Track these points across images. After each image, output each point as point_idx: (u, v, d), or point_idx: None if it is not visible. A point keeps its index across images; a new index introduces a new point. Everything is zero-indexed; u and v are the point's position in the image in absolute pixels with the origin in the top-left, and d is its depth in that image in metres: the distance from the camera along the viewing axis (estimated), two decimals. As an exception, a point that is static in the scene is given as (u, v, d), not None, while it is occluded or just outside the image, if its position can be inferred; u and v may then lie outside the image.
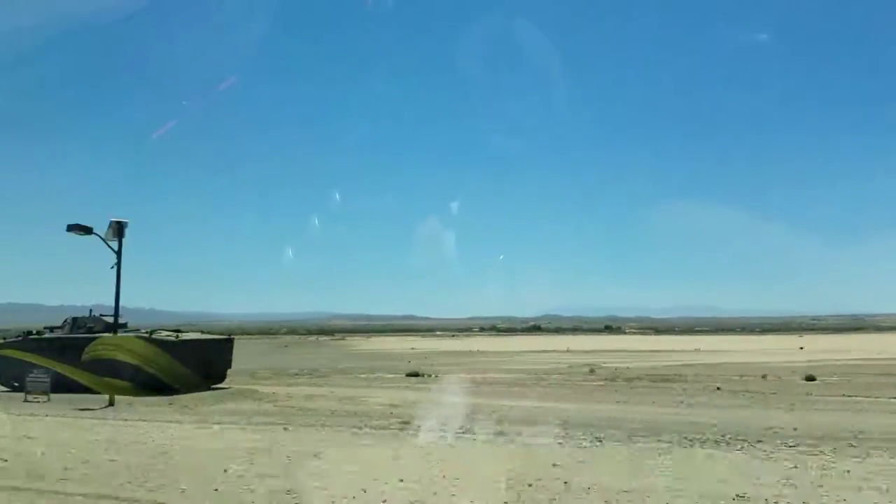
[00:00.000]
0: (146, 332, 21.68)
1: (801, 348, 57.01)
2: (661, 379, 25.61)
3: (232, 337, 24.44)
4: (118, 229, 17.72)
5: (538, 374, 29.13)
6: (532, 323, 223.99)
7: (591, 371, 29.90)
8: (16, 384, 22.79)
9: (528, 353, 50.87)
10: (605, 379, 25.86)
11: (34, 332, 23.34)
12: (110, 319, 22.62)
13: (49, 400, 19.39)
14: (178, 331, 22.76)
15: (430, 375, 27.87)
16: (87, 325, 22.60)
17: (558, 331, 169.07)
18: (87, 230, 17.72)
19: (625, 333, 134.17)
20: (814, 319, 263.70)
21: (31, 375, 20.15)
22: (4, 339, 24.24)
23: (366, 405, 17.71)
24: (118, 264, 17.91)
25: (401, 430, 13.31)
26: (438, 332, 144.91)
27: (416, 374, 27.83)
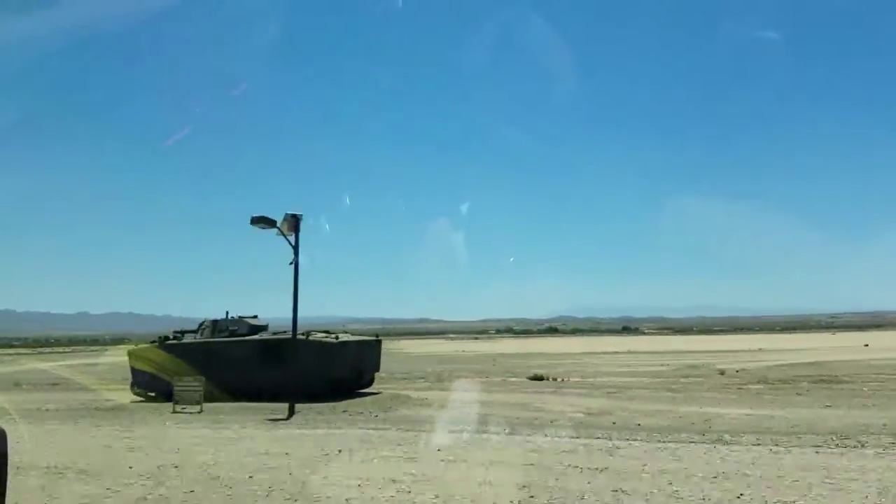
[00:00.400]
0: (302, 335, 20.40)
1: (866, 345, 55.66)
2: (824, 380, 24.05)
3: (380, 338, 23.10)
4: (294, 223, 16.38)
5: (661, 376, 27.83)
6: (546, 325, 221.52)
7: (722, 372, 28.54)
8: (151, 393, 21.62)
9: (601, 355, 49.35)
10: (749, 381, 24.49)
11: (170, 337, 22.10)
12: (252, 322, 21.51)
13: (202, 410, 18.16)
14: (327, 332, 21.32)
15: (555, 379, 26.54)
16: (230, 329, 21.38)
17: (575, 332, 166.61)
18: (272, 223, 16.39)
19: (644, 334, 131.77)
20: (831, 317, 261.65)
21: (180, 384, 18.93)
22: (136, 345, 23.08)
23: (560, 413, 16.42)
24: (296, 260, 16.48)
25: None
26: (451, 335, 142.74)
27: (541, 378, 26.47)
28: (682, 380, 25.95)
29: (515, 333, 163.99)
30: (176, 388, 18.77)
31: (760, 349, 54.50)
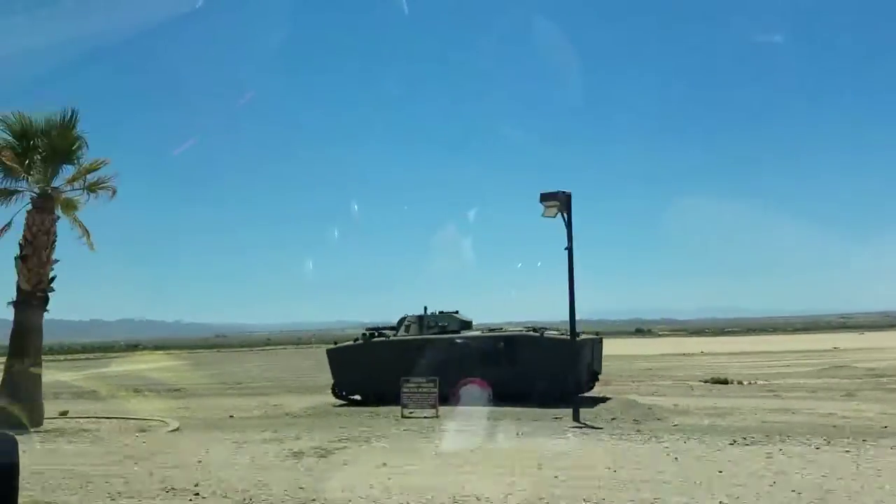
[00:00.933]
0: (534, 331, 18.72)
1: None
2: None
3: (601, 336, 21.50)
4: (566, 201, 14.62)
5: (823, 377, 26.44)
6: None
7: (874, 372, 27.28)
8: (356, 396, 19.96)
9: (708, 356, 47.24)
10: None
11: (376, 333, 20.37)
12: (459, 317, 19.85)
13: (438, 415, 16.43)
14: (540, 329, 19.39)
15: (740, 382, 24.85)
16: (440, 324, 19.70)
17: (597, 335, 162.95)
18: (560, 199, 14.55)
19: (658, 336, 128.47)
20: (842, 317, 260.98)
21: (408, 385, 17.19)
22: (336, 343, 21.37)
23: (809, 418, 15.10)
24: (570, 246, 14.77)
25: None
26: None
27: (724, 381, 24.69)
28: (846, 381, 24.62)
29: None
30: (405, 390, 17.03)
31: (835, 348, 52.44)
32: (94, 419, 18.39)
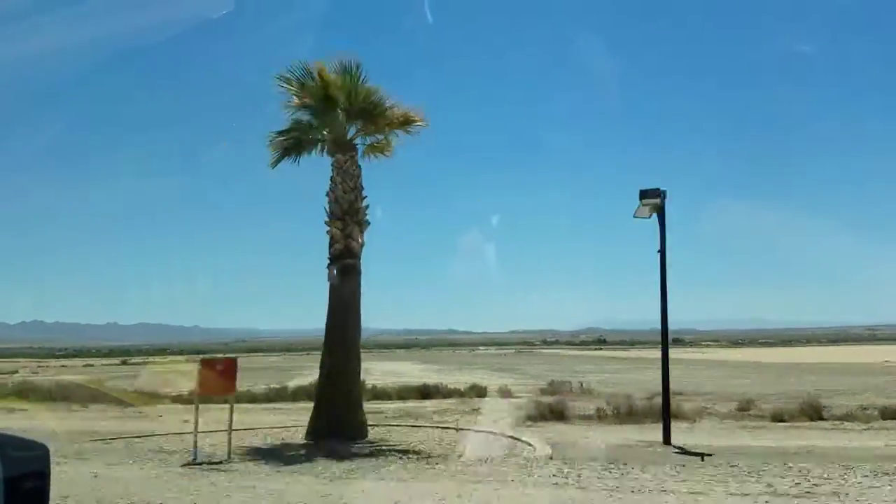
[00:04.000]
0: None
1: None
2: None
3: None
4: (661, 200, 13.29)
5: None
6: (569, 337, 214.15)
7: None
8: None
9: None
10: None
11: None
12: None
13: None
14: None
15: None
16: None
17: (635, 345, 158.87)
18: (658, 196, 13.72)
19: (702, 346, 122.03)
20: (869, 329, 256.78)
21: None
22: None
23: None
24: (662, 248, 13.36)
25: None
26: (480, 347, 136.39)
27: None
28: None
29: (547, 344, 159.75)
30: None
31: (887, 360, 47.86)
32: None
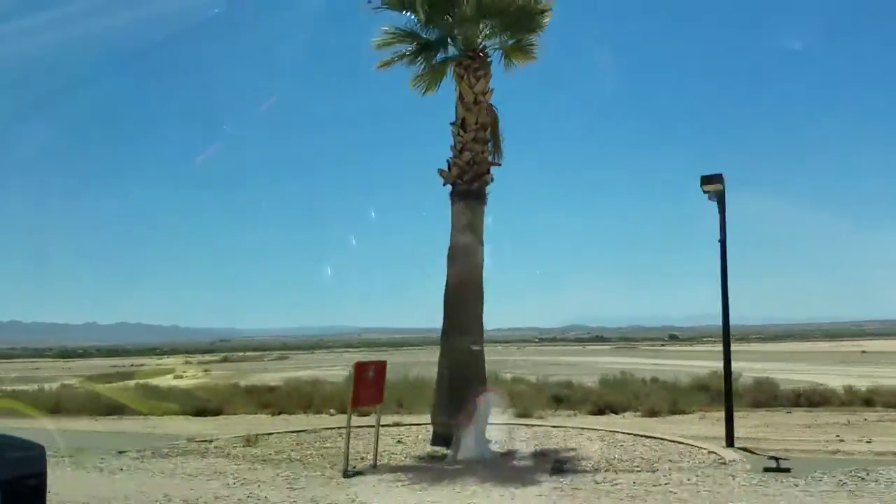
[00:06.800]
0: None
1: None
2: None
3: None
4: (722, 186, 12.14)
5: None
6: (554, 335, 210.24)
7: None
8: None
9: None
10: None
11: None
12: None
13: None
14: None
15: None
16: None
17: (627, 341, 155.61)
18: (718, 181, 12.37)
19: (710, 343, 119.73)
20: (855, 325, 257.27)
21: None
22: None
23: None
24: (723, 238, 12.34)
25: None
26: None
27: None
28: None
29: (541, 342, 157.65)
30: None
31: None
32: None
